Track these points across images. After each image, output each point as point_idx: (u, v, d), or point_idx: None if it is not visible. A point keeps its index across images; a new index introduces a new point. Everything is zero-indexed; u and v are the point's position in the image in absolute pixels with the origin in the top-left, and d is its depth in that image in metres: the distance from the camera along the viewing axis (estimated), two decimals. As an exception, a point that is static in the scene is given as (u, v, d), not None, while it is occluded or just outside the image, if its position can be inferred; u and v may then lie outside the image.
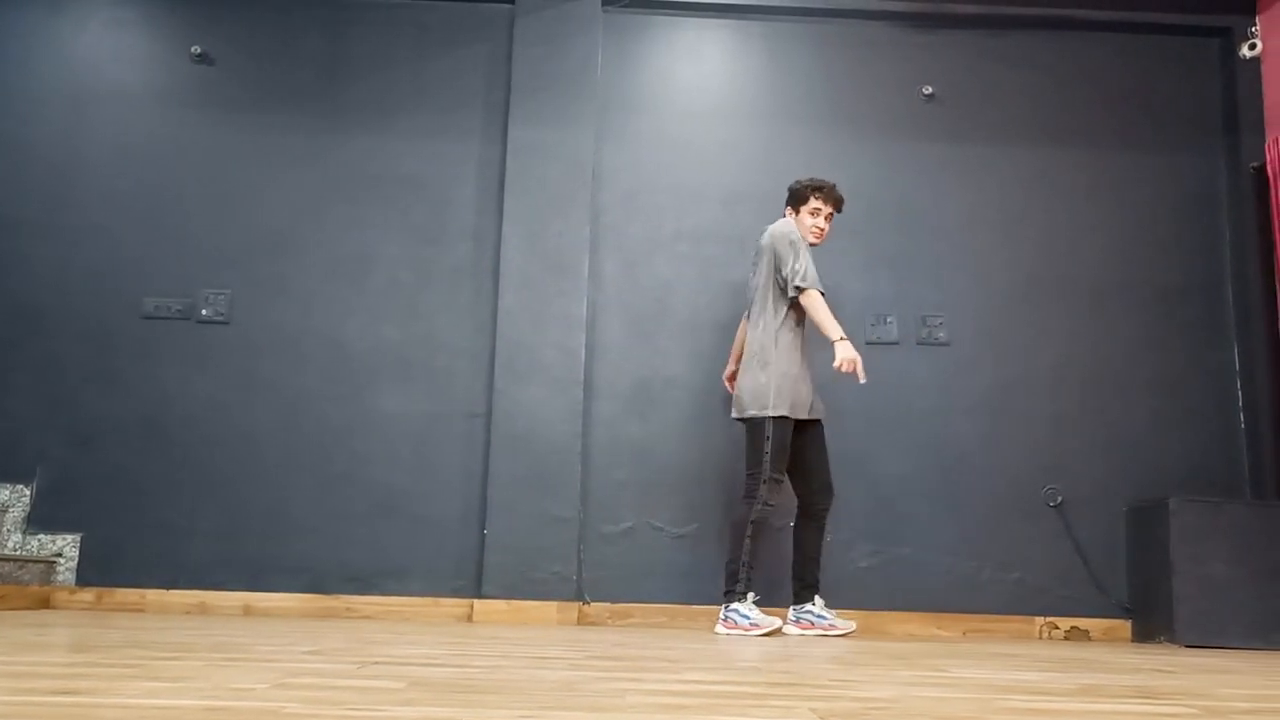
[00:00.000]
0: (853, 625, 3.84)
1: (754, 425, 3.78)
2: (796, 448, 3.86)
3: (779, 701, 1.47)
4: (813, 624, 3.82)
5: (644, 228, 4.61)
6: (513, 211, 4.48)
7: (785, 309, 3.84)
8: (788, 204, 4.02)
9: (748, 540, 3.71)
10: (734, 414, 3.86)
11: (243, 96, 4.66)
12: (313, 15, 4.75)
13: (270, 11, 4.73)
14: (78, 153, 4.56)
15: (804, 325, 3.88)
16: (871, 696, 1.59)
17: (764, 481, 3.72)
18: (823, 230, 3.95)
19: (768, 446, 3.73)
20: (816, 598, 3.84)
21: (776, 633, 3.73)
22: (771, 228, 3.91)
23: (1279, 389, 4.44)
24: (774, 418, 3.74)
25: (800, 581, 3.86)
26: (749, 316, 3.96)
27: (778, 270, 3.84)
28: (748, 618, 3.67)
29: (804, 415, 3.82)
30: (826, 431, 4.46)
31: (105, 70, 4.64)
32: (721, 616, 3.72)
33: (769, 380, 3.76)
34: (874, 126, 4.75)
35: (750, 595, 3.72)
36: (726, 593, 3.73)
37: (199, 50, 4.64)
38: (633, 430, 4.45)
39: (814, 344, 4.08)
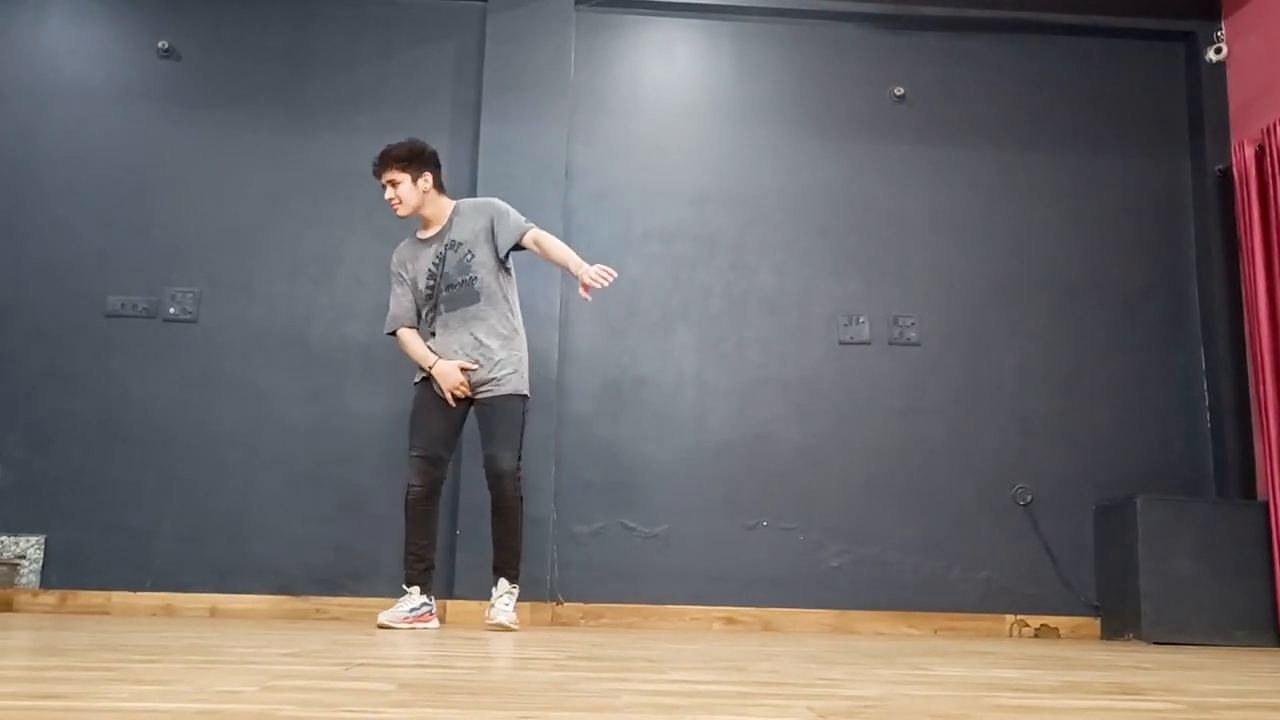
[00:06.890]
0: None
1: (515, 403, 3.63)
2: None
3: (773, 700, 1.46)
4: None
5: (614, 227, 4.60)
6: (484, 210, 4.44)
7: (512, 286, 3.75)
8: (430, 169, 3.71)
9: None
10: (493, 392, 3.60)
11: (208, 92, 4.59)
12: (279, 10, 4.68)
13: (236, 6, 4.67)
14: (37, 148, 4.47)
15: None
16: (860, 695, 1.59)
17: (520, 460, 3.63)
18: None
19: (525, 427, 3.67)
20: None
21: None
22: (478, 204, 3.76)
23: (1243, 389, 4.51)
24: (528, 396, 3.70)
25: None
26: (441, 315, 3.67)
27: (498, 239, 3.67)
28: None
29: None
30: (789, 438, 4.49)
31: (67, 64, 4.55)
32: (509, 605, 3.55)
33: (522, 359, 3.68)
34: (842, 127, 4.76)
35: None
36: (512, 577, 3.60)
37: (166, 45, 4.56)
38: (604, 430, 4.43)
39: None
